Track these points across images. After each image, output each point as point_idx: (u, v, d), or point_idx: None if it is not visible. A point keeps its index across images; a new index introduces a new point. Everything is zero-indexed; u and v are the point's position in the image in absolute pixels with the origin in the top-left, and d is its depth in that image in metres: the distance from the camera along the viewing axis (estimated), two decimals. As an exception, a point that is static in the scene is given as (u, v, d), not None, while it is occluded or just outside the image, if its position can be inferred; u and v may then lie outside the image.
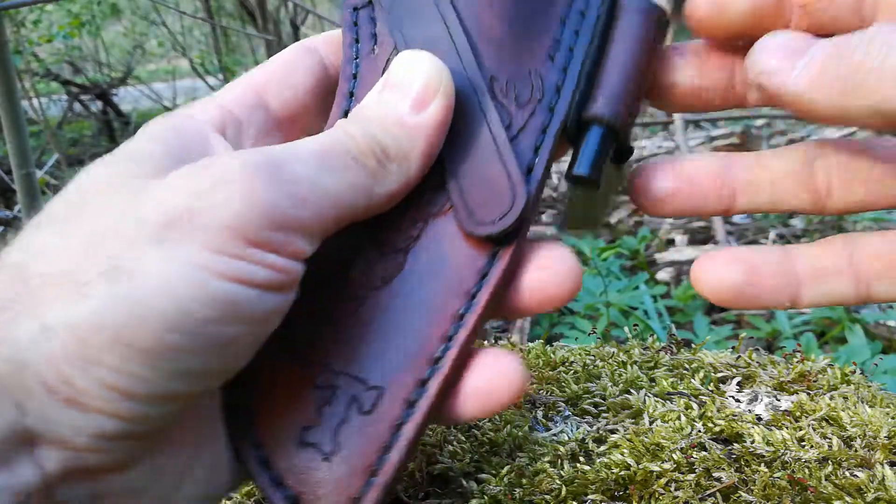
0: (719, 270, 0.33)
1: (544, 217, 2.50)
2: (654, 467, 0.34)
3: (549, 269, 0.29)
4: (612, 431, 0.38)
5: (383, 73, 0.32)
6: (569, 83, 0.32)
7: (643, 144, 3.31)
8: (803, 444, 0.36)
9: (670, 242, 2.13)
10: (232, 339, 0.24)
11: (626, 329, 0.56)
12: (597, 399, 0.42)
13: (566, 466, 0.35)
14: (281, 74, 0.32)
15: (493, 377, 0.28)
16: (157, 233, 0.22)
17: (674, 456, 0.35)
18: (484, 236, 0.29)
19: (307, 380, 0.29)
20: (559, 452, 0.36)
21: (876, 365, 0.92)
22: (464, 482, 0.35)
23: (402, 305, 0.30)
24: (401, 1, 0.34)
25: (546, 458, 0.36)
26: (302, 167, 0.25)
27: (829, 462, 0.35)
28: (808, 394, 0.41)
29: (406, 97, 0.28)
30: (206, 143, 0.28)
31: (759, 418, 0.39)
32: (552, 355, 0.48)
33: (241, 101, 0.31)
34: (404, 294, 0.30)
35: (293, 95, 0.32)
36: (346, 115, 0.32)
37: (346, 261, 0.31)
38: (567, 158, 0.35)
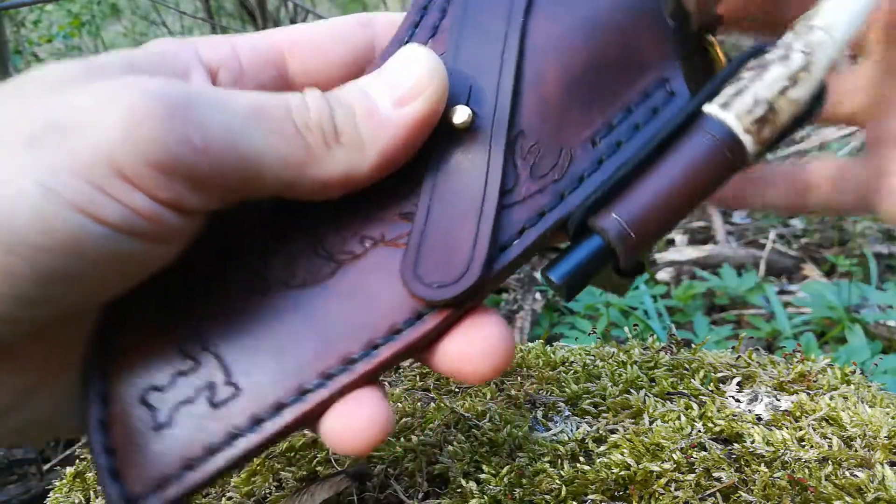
0: None
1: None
2: (654, 467, 0.34)
3: (476, 341, 0.26)
4: (612, 431, 0.38)
5: None
6: (596, 178, 0.28)
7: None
8: (803, 444, 0.36)
9: (670, 242, 2.13)
10: (75, 275, 0.21)
11: (626, 329, 0.56)
12: (597, 399, 0.42)
13: (566, 466, 0.35)
14: (319, 39, 0.29)
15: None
16: (29, 140, 0.20)
17: (674, 456, 0.35)
18: (415, 294, 0.26)
19: (175, 340, 0.27)
20: (559, 452, 0.36)
21: (876, 365, 0.92)
22: (463, 482, 0.35)
23: (303, 318, 0.27)
24: (476, 6, 0.30)
25: (546, 458, 0.36)
26: (221, 114, 0.22)
27: (829, 462, 0.35)
28: (808, 394, 0.41)
29: (390, 88, 0.25)
30: (184, 74, 0.25)
31: (759, 418, 0.39)
32: (552, 355, 0.48)
33: (257, 49, 0.27)
34: (311, 308, 0.27)
35: (321, 65, 0.28)
36: None
37: (275, 244, 0.28)
38: None
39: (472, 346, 0.26)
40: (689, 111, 0.28)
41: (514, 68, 0.28)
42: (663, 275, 1.81)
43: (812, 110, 0.29)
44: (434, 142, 0.28)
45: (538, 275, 1.57)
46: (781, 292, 1.63)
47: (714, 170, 0.28)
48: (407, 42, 0.30)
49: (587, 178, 0.28)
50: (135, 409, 0.27)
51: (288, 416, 0.26)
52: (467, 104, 0.28)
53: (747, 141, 0.28)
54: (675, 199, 0.27)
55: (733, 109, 0.28)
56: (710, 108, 0.28)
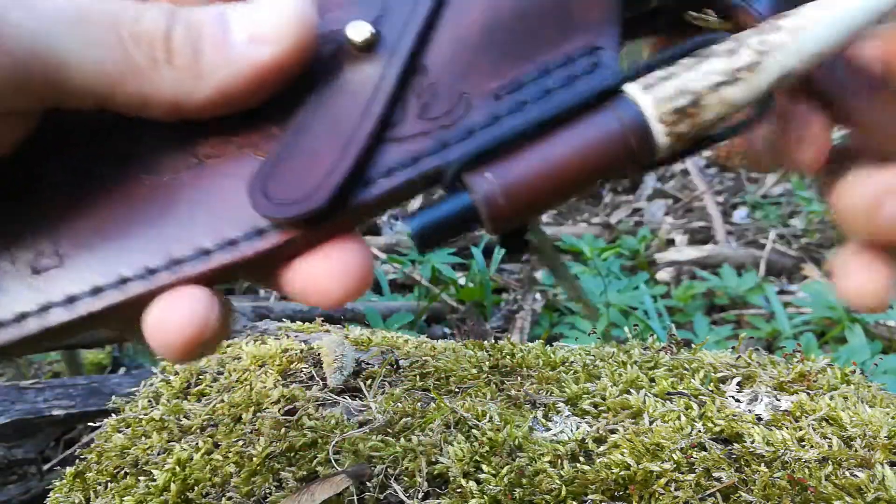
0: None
1: (543, 217, 2.50)
2: (654, 467, 0.34)
3: (329, 263, 0.24)
4: (613, 431, 0.38)
5: None
6: (487, 134, 0.26)
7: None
8: (803, 444, 0.36)
9: (670, 242, 2.13)
10: None
11: (626, 329, 0.56)
12: (597, 399, 0.42)
13: (566, 466, 0.35)
14: None
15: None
16: None
17: (674, 456, 0.35)
18: (256, 207, 0.25)
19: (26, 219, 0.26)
20: (559, 452, 0.36)
21: (876, 365, 0.91)
22: (463, 482, 0.35)
23: (143, 209, 0.26)
24: None
25: (546, 458, 0.36)
26: (25, 13, 0.20)
27: (829, 462, 0.35)
28: (808, 394, 0.41)
29: (250, 21, 0.23)
30: None
31: (759, 418, 0.39)
32: (552, 355, 0.48)
33: None
34: (154, 201, 0.26)
35: None
36: None
37: (145, 130, 0.26)
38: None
39: (324, 268, 0.24)
40: (611, 84, 0.26)
41: (434, 4, 0.26)
42: (663, 275, 1.81)
43: (748, 121, 0.26)
44: (328, 55, 0.26)
45: (538, 275, 1.57)
46: (781, 292, 1.63)
47: (611, 155, 0.25)
48: None
49: (478, 132, 0.26)
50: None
51: (103, 300, 0.26)
52: (373, 23, 0.26)
53: (658, 131, 0.25)
54: (559, 176, 0.25)
55: (653, 93, 0.25)
56: (630, 88, 0.25)
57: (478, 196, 0.25)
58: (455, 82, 0.27)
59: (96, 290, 0.26)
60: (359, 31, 0.25)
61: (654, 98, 0.25)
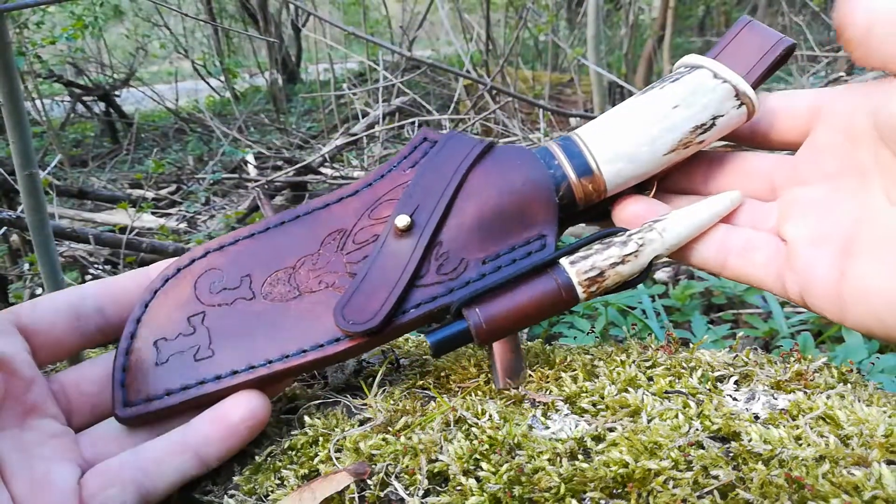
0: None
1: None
2: (653, 465, 0.35)
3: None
4: (611, 430, 0.39)
5: (394, 188, 0.45)
6: (477, 285, 0.42)
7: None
8: (800, 442, 0.36)
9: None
10: None
11: (624, 328, 0.56)
12: (595, 398, 0.42)
13: (565, 464, 0.36)
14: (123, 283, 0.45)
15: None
16: None
17: (672, 454, 0.35)
18: (337, 324, 0.41)
19: (188, 310, 0.43)
20: (558, 450, 0.37)
21: (873, 364, 0.92)
22: (463, 480, 0.35)
23: (266, 321, 0.42)
24: (442, 153, 0.46)
25: (545, 456, 0.36)
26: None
27: (826, 460, 0.35)
28: (806, 392, 0.41)
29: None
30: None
31: (757, 417, 0.39)
32: (551, 354, 0.48)
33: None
34: (273, 316, 0.42)
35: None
36: (355, 192, 0.46)
37: (270, 269, 0.44)
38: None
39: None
40: (551, 258, 0.42)
41: (448, 201, 0.43)
42: (661, 274, 1.81)
43: (635, 281, 0.43)
44: (385, 234, 0.44)
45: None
46: (780, 293, 1.62)
47: (551, 302, 0.41)
48: (393, 167, 0.47)
49: (472, 283, 0.42)
50: (148, 348, 0.42)
51: (237, 379, 0.41)
52: (411, 216, 0.43)
53: (579, 290, 0.42)
54: (519, 312, 0.41)
55: (576, 267, 0.42)
56: (564, 261, 0.42)
57: (470, 324, 0.41)
58: (458, 252, 0.43)
59: (234, 372, 0.42)
60: (402, 220, 0.43)
61: (576, 270, 0.42)
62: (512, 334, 0.42)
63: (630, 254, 0.42)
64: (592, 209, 0.47)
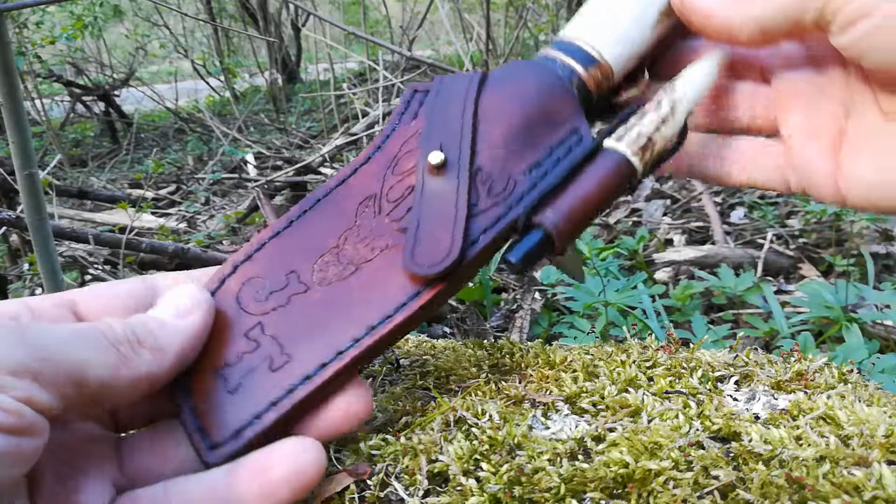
0: None
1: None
2: (653, 465, 0.35)
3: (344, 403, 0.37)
4: (611, 430, 0.39)
5: (407, 140, 0.43)
6: (532, 195, 0.41)
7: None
8: (801, 442, 0.36)
9: (669, 242, 2.13)
10: None
11: (624, 328, 0.56)
12: (595, 398, 0.42)
13: (565, 464, 0.36)
14: (103, 292, 0.39)
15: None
16: None
17: (672, 454, 0.35)
18: (413, 273, 0.38)
19: (240, 328, 0.39)
20: (558, 451, 0.37)
21: (873, 364, 0.92)
22: (463, 480, 0.35)
23: (336, 304, 0.39)
24: (443, 94, 0.44)
25: (545, 457, 0.36)
26: (50, 335, 0.31)
27: (827, 460, 0.35)
28: (806, 393, 0.41)
29: (172, 307, 0.36)
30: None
31: (757, 417, 0.39)
32: (551, 354, 0.48)
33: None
34: (341, 296, 0.39)
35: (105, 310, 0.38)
36: (368, 159, 0.44)
37: (312, 256, 0.40)
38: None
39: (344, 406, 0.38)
40: (595, 145, 0.41)
41: (472, 130, 0.42)
42: (661, 275, 1.81)
43: (679, 141, 0.43)
44: (420, 179, 0.41)
45: (537, 275, 1.57)
46: (779, 292, 1.64)
47: (615, 181, 0.40)
48: (396, 124, 0.45)
49: (526, 196, 0.41)
50: (211, 380, 0.37)
51: (328, 371, 0.37)
52: (440, 150, 0.41)
53: (635, 161, 0.41)
54: (589, 202, 0.40)
55: (625, 141, 0.41)
56: (609, 142, 0.41)
57: (548, 226, 0.39)
58: (502, 172, 0.41)
59: (322, 365, 0.37)
60: (436, 157, 0.41)
61: (626, 143, 0.41)
62: (589, 224, 0.41)
63: (667, 114, 0.41)
64: (605, 104, 0.46)
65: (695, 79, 0.43)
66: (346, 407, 0.37)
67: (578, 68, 0.43)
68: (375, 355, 0.40)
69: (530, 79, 0.43)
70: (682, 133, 0.42)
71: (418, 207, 0.40)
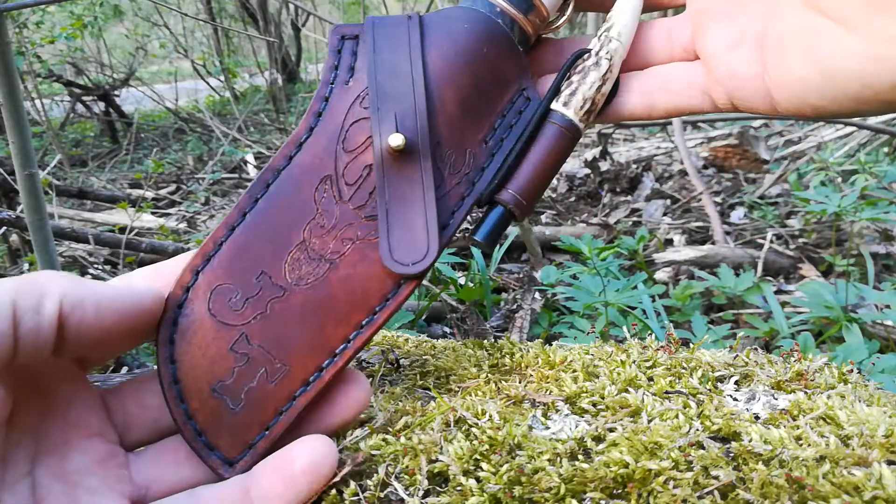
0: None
1: (543, 217, 2.50)
2: (653, 465, 0.35)
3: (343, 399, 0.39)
4: (611, 430, 0.39)
5: (351, 107, 0.40)
6: (492, 166, 0.41)
7: (642, 145, 3.30)
8: (801, 442, 0.36)
9: (668, 242, 2.13)
10: None
11: (624, 328, 0.56)
12: (595, 398, 0.42)
13: (565, 464, 0.36)
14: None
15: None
16: None
17: (672, 454, 0.35)
18: (397, 272, 0.38)
19: (224, 342, 0.37)
20: (558, 451, 0.37)
21: (873, 364, 0.92)
22: (463, 480, 0.35)
23: (318, 305, 0.38)
24: (383, 48, 0.40)
25: (545, 457, 0.36)
26: None
27: (827, 460, 0.35)
28: (806, 393, 0.41)
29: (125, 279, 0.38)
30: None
31: (757, 417, 0.39)
32: (551, 354, 0.48)
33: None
34: (322, 296, 0.38)
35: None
36: (310, 131, 0.40)
37: (280, 254, 0.38)
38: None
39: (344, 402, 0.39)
40: (542, 110, 0.42)
41: (424, 98, 0.39)
42: (661, 275, 1.81)
43: (614, 91, 0.43)
44: (378, 158, 0.39)
45: (537, 275, 1.57)
46: (779, 292, 1.64)
47: (562, 147, 0.42)
48: (332, 84, 0.41)
49: (486, 167, 0.41)
50: (211, 400, 0.37)
51: (327, 373, 0.37)
52: (397, 130, 0.38)
53: (580, 125, 0.42)
54: (543, 171, 0.41)
55: (571, 107, 0.42)
56: (557, 107, 0.42)
57: (510, 204, 0.41)
58: (459, 144, 0.40)
59: (320, 369, 0.38)
60: (396, 139, 0.38)
61: (573, 110, 0.42)
62: (543, 191, 0.42)
63: (606, 72, 0.42)
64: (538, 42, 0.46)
65: (626, 21, 0.43)
66: (346, 399, 0.38)
67: (519, 16, 0.42)
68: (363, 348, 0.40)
69: (475, 31, 0.41)
70: (616, 83, 0.43)
71: (384, 194, 0.38)
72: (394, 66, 0.40)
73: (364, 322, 0.38)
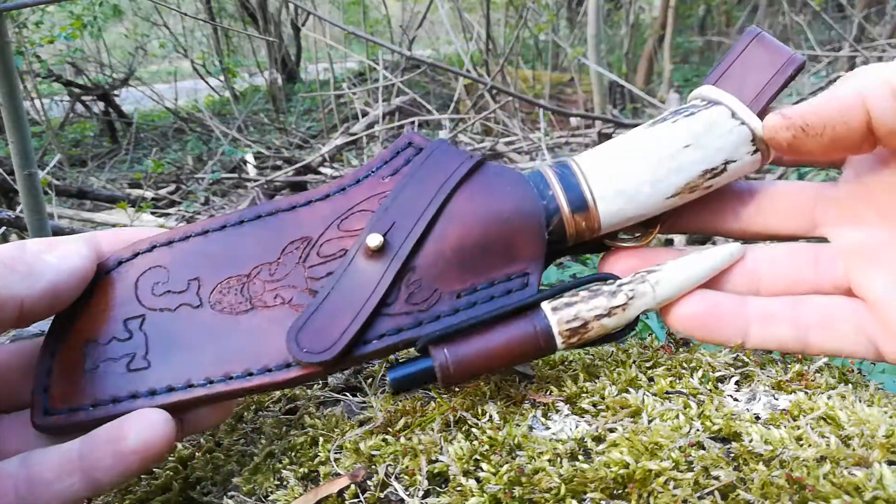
0: (688, 303, 0.41)
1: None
2: (653, 466, 0.35)
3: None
4: (611, 430, 0.38)
5: (370, 197, 0.41)
6: (448, 320, 0.39)
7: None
8: (801, 442, 0.36)
9: (669, 242, 2.13)
10: None
11: (625, 329, 0.56)
12: (596, 398, 0.42)
13: (565, 465, 0.35)
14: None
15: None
16: None
17: (672, 454, 0.35)
18: (290, 350, 0.37)
19: (124, 311, 0.39)
20: (558, 451, 0.37)
21: (874, 364, 0.92)
22: (463, 480, 0.35)
23: (213, 334, 0.38)
24: (427, 167, 0.42)
25: (545, 457, 0.36)
26: None
27: (827, 461, 0.35)
28: (806, 393, 0.41)
29: (55, 250, 0.38)
30: None
31: (758, 417, 0.39)
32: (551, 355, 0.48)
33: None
34: (222, 330, 0.38)
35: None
36: (326, 197, 0.42)
37: (223, 273, 0.39)
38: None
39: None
40: (532, 300, 0.39)
41: (428, 223, 0.39)
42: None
43: (619, 335, 0.40)
44: (354, 251, 0.39)
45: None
46: (780, 292, 1.62)
47: (526, 349, 0.38)
48: (372, 171, 0.42)
49: (442, 318, 0.39)
50: (76, 352, 0.38)
51: (173, 397, 0.37)
52: (384, 235, 0.39)
53: (558, 340, 0.39)
54: (490, 357, 0.38)
55: (558, 315, 0.38)
56: (546, 307, 0.39)
57: (436, 364, 0.38)
58: (432, 281, 0.39)
59: (170, 389, 0.37)
60: (374, 240, 0.38)
61: (558, 319, 0.39)
62: (478, 376, 0.40)
63: (618, 306, 0.39)
64: (581, 245, 0.44)
65: (679, 276, 0.39)
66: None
67: (566, 209, 0.40)
68: (224, 402, 0.39)
69: (513, 196, 0.41)
70: (629, 327, 0.40)
71: (336, 279, 0.39)
72: (423, 184, 0.41)
73: (235, 375, 0.37)
